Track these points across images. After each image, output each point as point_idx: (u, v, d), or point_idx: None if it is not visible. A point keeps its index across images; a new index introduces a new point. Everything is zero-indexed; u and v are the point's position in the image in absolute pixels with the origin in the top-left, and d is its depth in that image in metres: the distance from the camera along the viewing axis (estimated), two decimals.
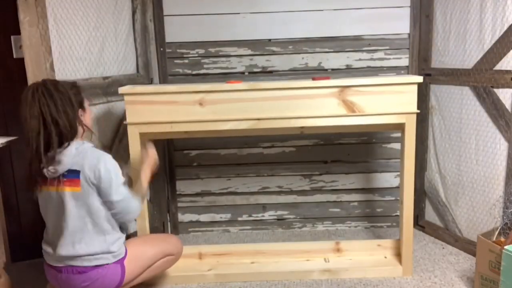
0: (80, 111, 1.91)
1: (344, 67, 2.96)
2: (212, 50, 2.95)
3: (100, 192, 1.88)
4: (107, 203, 1.91)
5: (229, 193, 3.13)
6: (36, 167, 1.80)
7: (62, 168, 1.82)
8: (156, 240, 2.22)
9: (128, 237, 2.81)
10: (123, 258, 1.98)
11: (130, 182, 2.21)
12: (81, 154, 1.85)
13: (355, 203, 3.14)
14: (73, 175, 1.85)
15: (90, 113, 2.02)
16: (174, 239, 2.30)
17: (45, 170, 1.82)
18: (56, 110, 1.78)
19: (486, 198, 2.55)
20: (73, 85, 1.94)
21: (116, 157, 2.69)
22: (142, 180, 2.09)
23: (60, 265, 1.90)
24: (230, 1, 2.88)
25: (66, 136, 1.82)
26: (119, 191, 1.89)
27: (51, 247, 1.93)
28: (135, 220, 2.47)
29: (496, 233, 2.27)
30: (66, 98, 1.83)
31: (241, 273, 2.49)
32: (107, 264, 1.92)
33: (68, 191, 1.85)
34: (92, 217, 1.89)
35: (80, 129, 1.90)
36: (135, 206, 1.97)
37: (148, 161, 2.15)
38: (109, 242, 1.93)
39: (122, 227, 2.05)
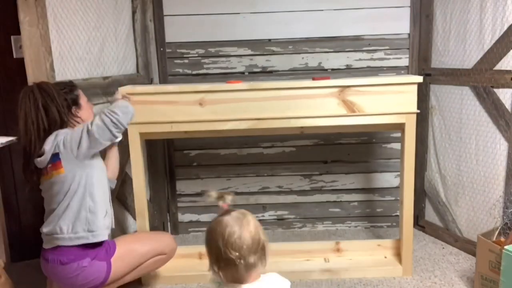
0: (74, 109, 2.02)
1: (344, 67, 2.96)
2: (212, 50, 2.95)
3: (80, 146, 1.88)
4: (87, 139, 1.88)
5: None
6: (26, 163, 1.96)
7: (45, 157, 1.91)
8: (148, 238, 2.22)
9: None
10: (111, 255, 1.99)
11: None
12: (57, 135, 1.92)
13: (355, 203, 3.14)
14: (54, 158, 1.92)
15: (89, 109, 2.11)
16: (168, 237, 2.30)
17: (37, 161, 1.93)
18: (35, 112, 1.90)
19: (486, 198, 2.55)
20: (66, 85, 2.05)
21: None
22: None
23: (48, 247, 1.96)
24: (230, 1, 2.88)
25: (51, 130, 1.94)
26: (90, 125, 1.89)
27: (45, 229, 1.99)
28: (135, 219, 2.47)
29: (496, 233, 2.27)
30: (49, 97, 1.92)
31: None
32: (88, 244, 1.94)
33: (54, 178, 1.94)
34: (79, 195, 1.94)
35: (73, 123, 2.02)
36: (122, 108, 1.92)
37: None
38: (92, 220, 1.95)
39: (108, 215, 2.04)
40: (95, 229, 1.96)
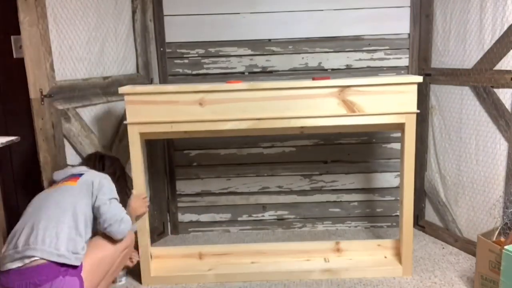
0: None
1: (344, 67, 2.96)
2: (212, 50, 2.95)
3: (97, 197, 2.05)
4: (99, 209, 2.04)
5: (229, 193, 3.13)
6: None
7: (66, 172, 2.18)
8: (107, 241, 2.11)
9: None
10: (80, 270, 1.93)
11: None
12: (88, 170, 2.21)
13: (355, 203, 3.14)
14: (74, 176, 2.13)
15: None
16: None
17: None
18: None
19: (486, 198, 2.55)
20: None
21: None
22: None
23: (14, 267, 1.83)
24: (230, 1, 2.88)
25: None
26: (114, 201, 2.11)
27: (18, 245, 1.88)
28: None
29: (496, 233, 2.27)
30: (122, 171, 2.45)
31: (241, 273, 2.49)
32: (68, 264, 1.88)
33: (64, 185, 2.08)
34: (74, 214, 1.98)
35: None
36: (127, 220, 2.11)
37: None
38: (78, 242, 1.94)
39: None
40: (79, 252, 1.93)
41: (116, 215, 2.06)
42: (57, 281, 1.84)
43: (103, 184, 2.10)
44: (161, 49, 2.93)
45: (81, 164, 2.33)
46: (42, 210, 1.97)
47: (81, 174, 2.13)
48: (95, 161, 2.30)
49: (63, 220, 1.94)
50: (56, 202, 1.99)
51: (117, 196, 2.15)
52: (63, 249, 1.88)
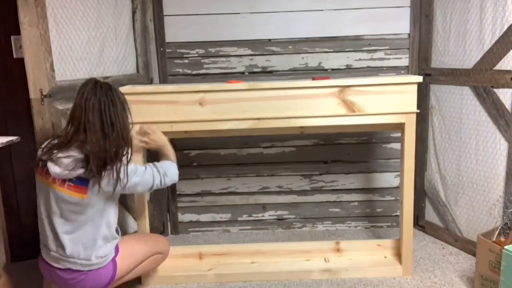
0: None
1: (344, 67, 2.96)
2: (212, 50, 2.95)
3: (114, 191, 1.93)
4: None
5: (229, 193, 3.13)
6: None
7: (67, 173, 1.82)
8: (146, 239, 2.27)
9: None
10: (116, 255, 2.01)
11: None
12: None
13: (355, 203, 3.14)
14: (81, 182, 1.84)
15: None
16: (163, 239, 2.35)
17: (49, 164, 1.82)
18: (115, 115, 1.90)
19: (486, 198, 2.55)
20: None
21: None
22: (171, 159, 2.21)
23: (54, 265, 1.94)
24: (230, 1, 2.88)
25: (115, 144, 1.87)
26: (132, 177, 1.95)
27: (47, 245, 1.96)
28: (135, 219, 2.48)
29: (496, 233, 2.27)
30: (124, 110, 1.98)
31: (241, 273, 2.49)
32: (100, 267, 1.95)
33: (73, 196, 1.85)
34: (94, 222, 1.93)
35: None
36: (169, 169, 2.10)
37: (165, 150, 2.23)
38: (104, 248, 1.96)
39: (117, 231, 2.08)
40: (107, 254, 1.96)
41: (153, 180, 2.03)
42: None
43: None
44: (161, 49, 2.93)
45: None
46: (56, 221, 1.97)
47: (85, 181, 1.86)
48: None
49: (87, 230, 1.95)
50: (70, 212, 1.94)
51: (129, 174, 1.92)
52: (93, 259, 1.94)
